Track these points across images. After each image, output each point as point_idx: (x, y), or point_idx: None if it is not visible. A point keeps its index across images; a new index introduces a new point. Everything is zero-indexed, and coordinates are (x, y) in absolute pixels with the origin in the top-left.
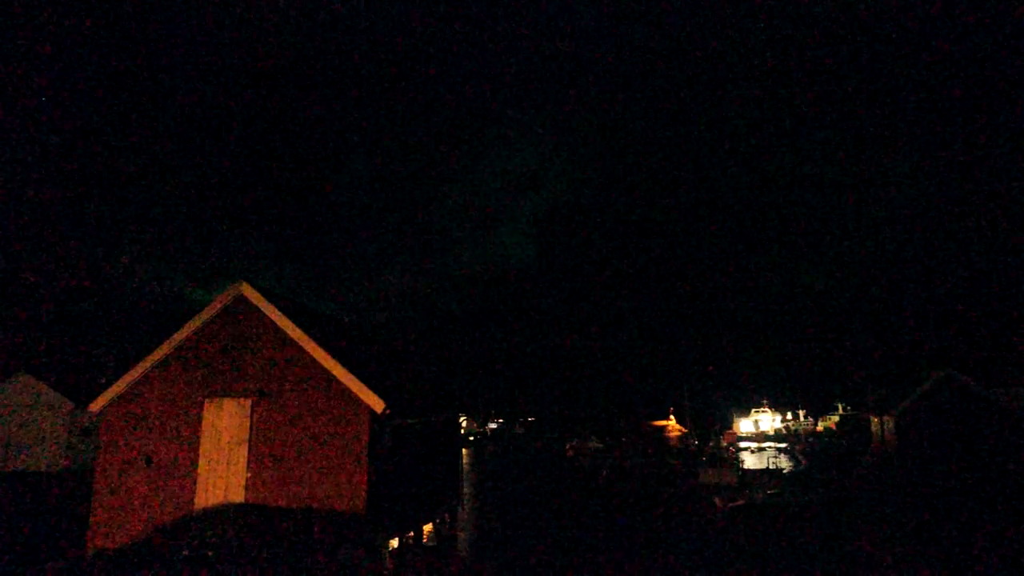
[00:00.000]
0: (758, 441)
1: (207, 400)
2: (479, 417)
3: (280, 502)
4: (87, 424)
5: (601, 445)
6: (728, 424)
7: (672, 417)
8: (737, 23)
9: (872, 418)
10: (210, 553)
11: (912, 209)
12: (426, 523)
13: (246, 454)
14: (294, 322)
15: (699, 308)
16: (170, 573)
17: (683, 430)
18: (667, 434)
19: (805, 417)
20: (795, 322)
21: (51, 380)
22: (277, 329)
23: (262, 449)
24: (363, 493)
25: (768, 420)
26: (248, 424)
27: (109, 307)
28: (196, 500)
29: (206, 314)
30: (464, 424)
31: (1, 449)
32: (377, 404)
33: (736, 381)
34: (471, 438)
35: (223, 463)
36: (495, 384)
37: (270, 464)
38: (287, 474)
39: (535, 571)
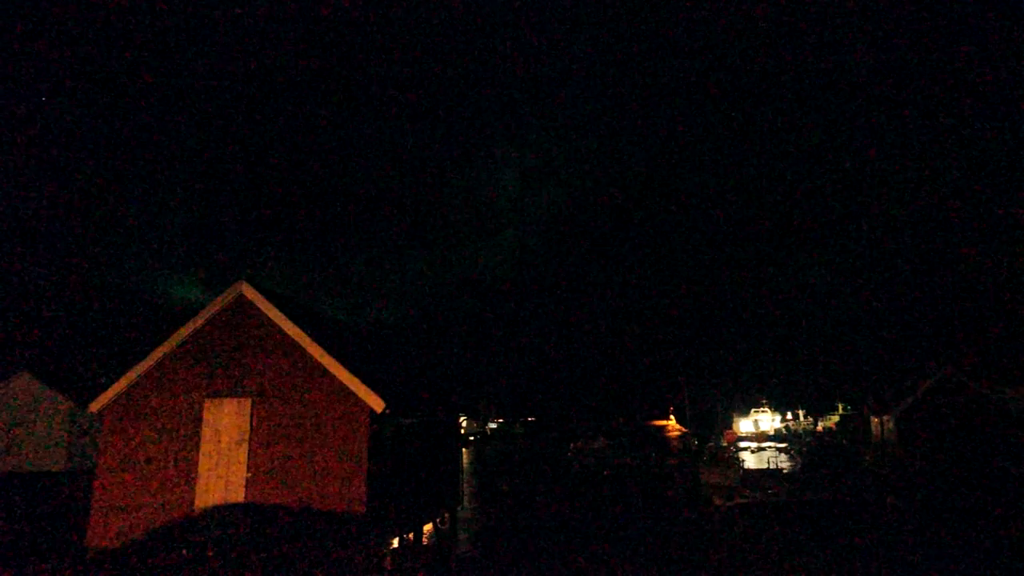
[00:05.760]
0: (758, 441)
1: (207, 400)
2: (479, 417)
3: (280, 502)
4: (87, 424)
5: (606, 444)
6: (728, 424)
7: (672, 417)
8: (744, 24)
9: (872, 418)
10: (210, 553)
11: (912, 208)
12: (426, 523)
13: (246, 454)
14: (294, 322)
15: (700, 308)
16: (170, 573)
17: (683, 430)
18: (667, 434)
19: (805, 417)
20: (795, 322)
21: (51, 380)
22: (277, 329)
23: (262, 449)
24: (363, 493)
25: (768, 420)
26: (248, 424)
27: (109, 307)
28: (196, 500)
29: (206, 314)
30: (464, 424)
31: (1, 449)
32: (377, 404)
33: (736, 381)
34: (471, 438)
35: (223, 463)
36: (495, 384)
37: (270, 464)
38: (287, 474)
39: (535, 571)
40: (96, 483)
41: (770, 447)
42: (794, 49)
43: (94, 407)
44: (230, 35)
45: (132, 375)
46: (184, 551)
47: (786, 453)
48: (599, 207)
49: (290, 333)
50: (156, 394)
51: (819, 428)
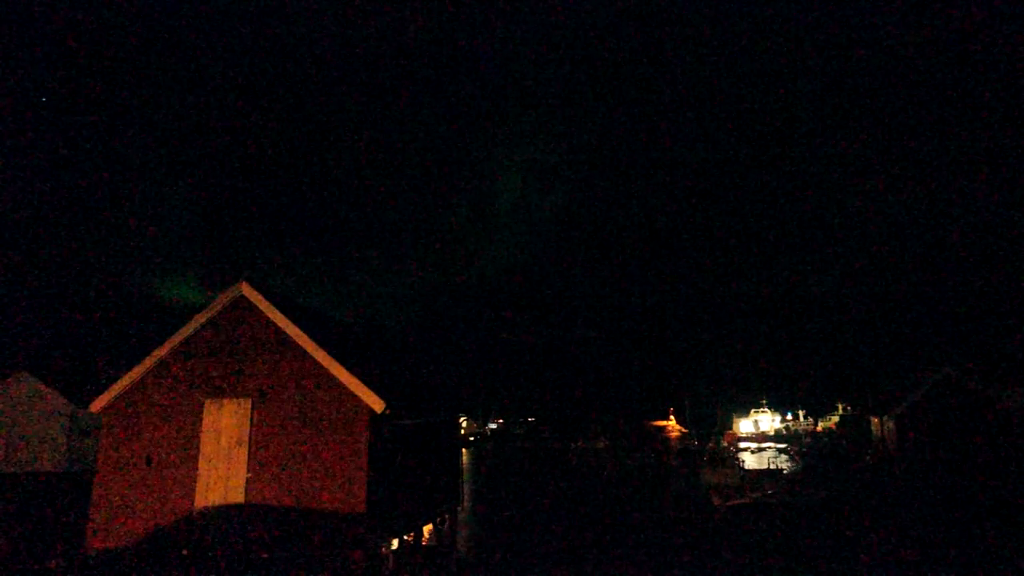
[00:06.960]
0: (758, 441)
1: (207, 400)
2: (479, 417)
3: (280, 502)
4: (87, 424)
5: (606, 444)
6: (728, 424)
7: (672, 417)
8: (748, 24)
9: (872, 418)
10: (210, 553)
11: (912, 209)
12: (426, 523)
13: (246, 454)
14: (294, 322)
15: (700, 308)
16: (170, 573)
17: (683, 430)
18: (667, 434)
19: (805, 417)
20: (795, 323)
21: (51, 380)
22: (277, 329)
23: (262, 449)
24: (363, 493)
25: (768, 420)
26: (248, 424)
27: (109, 307)
28: (196, 500)
29: (206, 314)
30: (464, 424)
31: (1, 450)
32: (377, 404)
33: (736, 381)
34: (471, 438)
35: (223, 463)
36: (495, 384)
37: (270, 464)
38: (287, 474)
39: (535, 571)
40: (96, 483)
41: (770, 447)
42: (798, 49)
43: (94, 407)
44: (232, 35)
45: (132, 375)
46: (184, 551)
47: (786, 453)
48: (601, 208)
49: (290, 333)
50: (156, 394)
51: (819, 428)
